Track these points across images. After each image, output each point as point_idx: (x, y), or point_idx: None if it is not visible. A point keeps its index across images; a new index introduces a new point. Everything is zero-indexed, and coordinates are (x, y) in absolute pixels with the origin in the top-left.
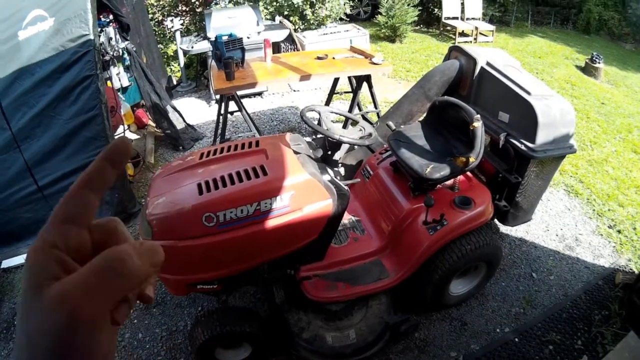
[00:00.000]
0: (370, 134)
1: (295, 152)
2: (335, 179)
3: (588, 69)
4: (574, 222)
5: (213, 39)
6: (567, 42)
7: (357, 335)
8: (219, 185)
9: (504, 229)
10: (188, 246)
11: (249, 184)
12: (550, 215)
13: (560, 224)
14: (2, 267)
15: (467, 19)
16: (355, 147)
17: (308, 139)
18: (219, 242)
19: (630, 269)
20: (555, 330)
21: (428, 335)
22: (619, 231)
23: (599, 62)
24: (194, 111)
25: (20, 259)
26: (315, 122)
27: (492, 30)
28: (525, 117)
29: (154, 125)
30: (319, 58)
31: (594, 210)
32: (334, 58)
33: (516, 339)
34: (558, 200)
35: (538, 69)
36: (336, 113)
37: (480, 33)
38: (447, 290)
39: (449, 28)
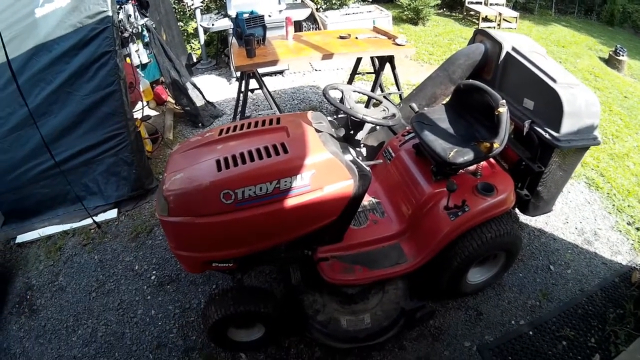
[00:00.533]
0: (393, 115)
1: (317, 131)
2: (357, 159)
3: (611, 61)
4: (593, 216)
5: (234, 16)
6: (591, 33)
7: (372, 320)
8: (238, 162)
9: (523, 218)
10: (204, 223)
11: (269, 162)
12: (570, 208)
13: (580, 217)
14: (16, 242)
15: (491, 4)
16: (377, 128)
17: (330, 118)
18: (237, 220)
19: None
20: (569, 325)
21: (443, 323)
22: (637, 229)
23: (622, 55)
24: (213, 88)
25: (34, 234)
26: (338, 101)
27: (516, 17)
28: (550, 105)
29: (173, 101)
30: (341, 37)
31: (613, 205)
32: (356, 38)
33: (530, 332)
34: (578, 192)
35: (561, 59)
36: (359, 92)
37: (504, 19)
38: (465, 278)
39: (472, 13)
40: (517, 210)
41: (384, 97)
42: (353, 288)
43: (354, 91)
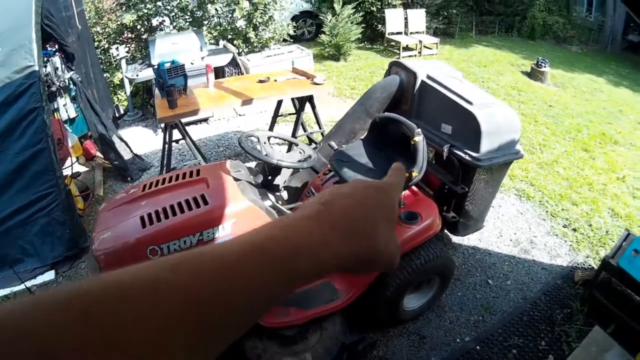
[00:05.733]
0: (309, 156)
1: (235, 179)
2: (276, 204)
3: (534, 74)
4: (527, 225)
5: (156, 66)
6: (512, 49)
7: (314, 358)
8: (161, 217)
9: (456, 239)
10: None
11: (190, 215)
12: (503, 221)
13: (514, 228)
14: None
15: (411, 33)
16: (300, 169)
17: (252, 164)
18: None
19: (589, 265)
20: (516, 334)
21: (387, 352)
22: (574, 229)
23: (544, 66)
24: (141, 140)
25: None
26: (258, 147)
27: (436, 43)
28: (468, 127)
29: (101, 156)
30: (260, 81)
31: (547, 211)
32: (275, 80)
33: (477, 347)
34: (510, 205)
35: (484, 78)
36: (275, 137)
37: (425, 46)
38: (401, 306)
39: (393, 43)
40: (448, 232)
41: (307, 137)
42: (291, 329)
43: (270, 136)
